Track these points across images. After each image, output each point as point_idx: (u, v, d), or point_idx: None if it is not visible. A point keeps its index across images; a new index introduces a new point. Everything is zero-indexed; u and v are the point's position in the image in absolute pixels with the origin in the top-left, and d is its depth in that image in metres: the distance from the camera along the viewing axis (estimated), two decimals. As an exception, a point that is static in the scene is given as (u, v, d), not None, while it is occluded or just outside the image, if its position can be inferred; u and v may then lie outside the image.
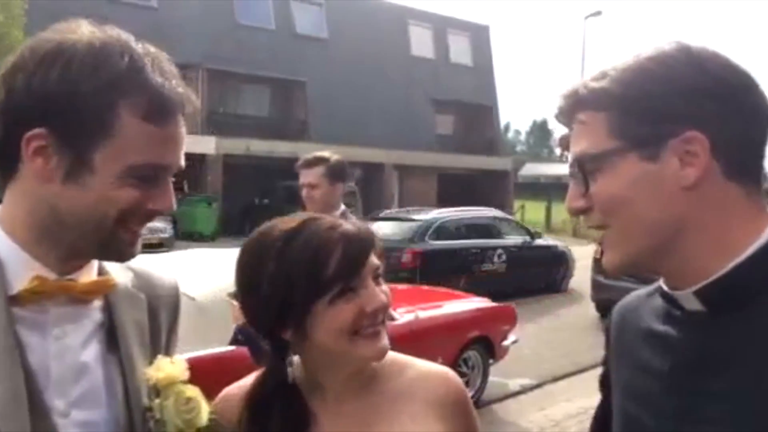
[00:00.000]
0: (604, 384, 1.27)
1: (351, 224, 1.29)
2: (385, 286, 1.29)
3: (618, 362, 1.20)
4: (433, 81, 33.22)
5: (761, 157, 1.04)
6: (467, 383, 6.55)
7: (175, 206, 1.13)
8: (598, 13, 33.60)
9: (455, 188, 32.80)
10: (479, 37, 36.92)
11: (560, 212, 35.09)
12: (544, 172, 49.33)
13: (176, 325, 1.34)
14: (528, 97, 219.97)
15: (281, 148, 25.70)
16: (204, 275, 5.08)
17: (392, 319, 5.19)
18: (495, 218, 14.54)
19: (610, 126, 1.02)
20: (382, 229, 12.84)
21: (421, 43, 33.68)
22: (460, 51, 35.45)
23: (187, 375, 1.20)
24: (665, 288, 1.09)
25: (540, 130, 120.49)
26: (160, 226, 16.84)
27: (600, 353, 1.31)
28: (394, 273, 11.71)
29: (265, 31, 28.45)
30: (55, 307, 1.10)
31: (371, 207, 22.67)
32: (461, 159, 32.51)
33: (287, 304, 1.23)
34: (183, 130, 1.11)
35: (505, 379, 7.76)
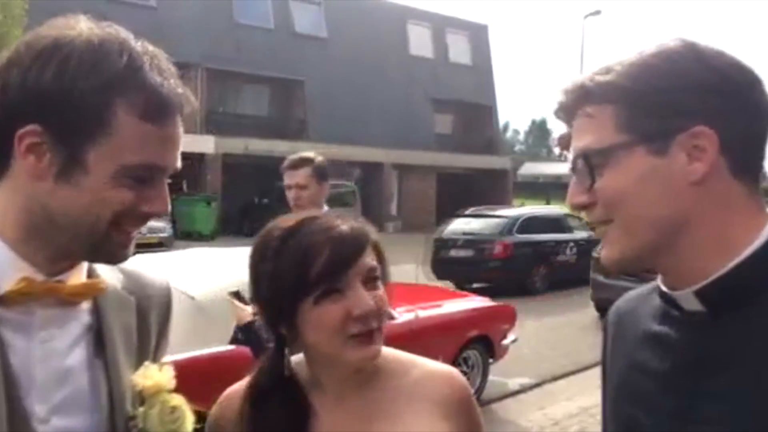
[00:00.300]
0: (604, 386, 1.27)
1: (348, 225, 1.28)
2: (380, 291, 1.27)
3: (614, 362, 1.20)
4: (433, 80, 33.23)
5: (763, 154, 1.04)
6: (467, 382, 6.53)
7: (170, 209, 1.11)
8: (597, 12, 33.62)
9: (454, 187, 32.83)
10: (478, 36, 36.93)
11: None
12: (543, 171, 49.43)
13: (167, 327, 1.30)
14: (527, 96, 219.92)
15: (280, 147, 25.66)
16: (204, 274, 5.08)
17: (392, 318, 5.19)
18: (565, 215, 15.59)
19: (618, 120, 1.02)
20: (473, 224, 15.39)
21: (420, 42, 33.69)
22: (459, 50, 35.46)
23: (174, 383, 1.16)
24: (663, 288, 1.08)
25: (539, 129, 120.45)
26: (159, 226, 16.83)
27: (600, 352, 1.31)
28: (486, 262, 14.32)
29: (264, 31, 28.45)
30: (42, 309, 1.06)
31: (370, 206, 22.69)
32: (460, 158, 32.52)
33: (278, 302, 1.26)
34: (180, 130, 1.08)
35: (505, 378, 7.76)
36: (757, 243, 0.99)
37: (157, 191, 1.08)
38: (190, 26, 25.46)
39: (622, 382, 1.15)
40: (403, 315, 5.85)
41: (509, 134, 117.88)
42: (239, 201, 24.24)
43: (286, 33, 29.13)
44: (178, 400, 1.15)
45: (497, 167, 34.49)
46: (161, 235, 17.08)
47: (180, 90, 1.07)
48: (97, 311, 1.14)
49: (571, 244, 15.20)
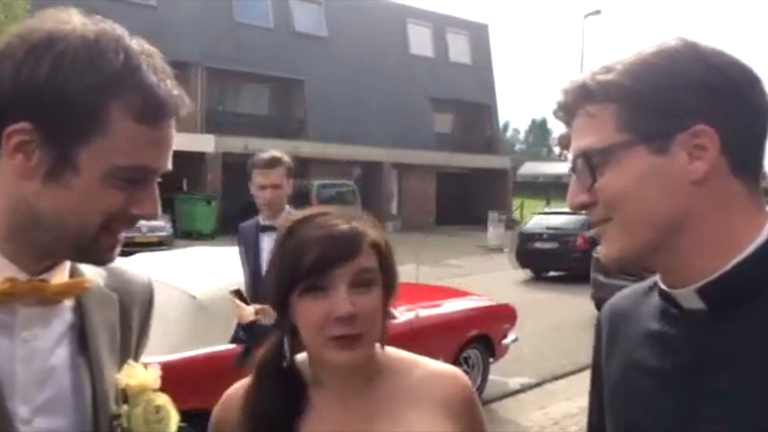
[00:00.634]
0: (596, 385, 1.26)
1: (347, 225, 1.28)
2: (372, 295, 1.26)
3: (610, 361, 1.19)
4: (432, 80, 33.21)
5: (762, 153, 1.04)
6: (467, 382, 6.53)
7: (160, 211, 1.09)
8: (598, 12, 33.59)
9: (454, 187, 32.84)
10: (478, 35, 36.91)
11: (559, 211, 35.11)
12: (543, 171, 49.40)
13: (148, 325, 1.28)
14: (527, 96, 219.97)
15: (280, 146, 25.55)
16: (204, 273, 5.09)
17: (393, 317, 5.20)
18: None
19: (618, 119, 1.02)
20: (554, 220, 17.30)
21: (420, 41, 33.68)
22: (459, 50, 35.44)
23: (159, 383, 1.15)
24: (663, 286, 1.08)
25: (539, 129, 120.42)
26: (159, 225, 16.83)
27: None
28: (569, 253, 16.07)
29: (264, 30, 28.43)
30: (24, 308, 1.04)
31: (370, 205, 22.65)
32: (460, 158, 32.51)
33: (274, 291, 1.30)
34: (173, 131, 1.06)
35: (505, 377, 7.75)
36: (758, 241, 1.00)
37: (148, 193, 1.05)
38: (190, 25, 25.45)
39: (619, 381, 1.15)
40: (403, 314, 5.85)
41: (509, 134, 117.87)
42: (239, 200, 24.10)
43: (286, 32, 29.11)
44: (162, 399, 1.15)
45: (497, 167, 34.48)
46: (161, 234, 17.06)
47: (176, 92, 1.04)
48: (80, 309, 1.12)
49: None
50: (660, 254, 1.04)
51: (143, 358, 1.25)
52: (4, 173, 1.00)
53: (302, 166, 26.74)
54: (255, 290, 3.83)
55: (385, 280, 1.30)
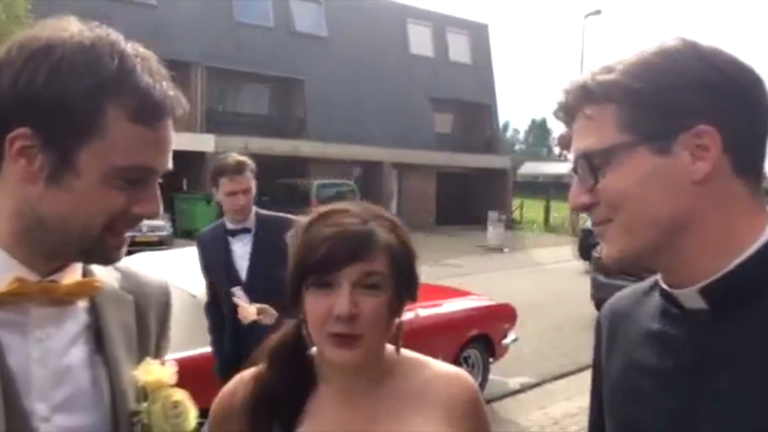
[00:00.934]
0: (596, 385, 1.26)
1: (362, 227, 1.28)
2: (377, 299, 1.26)
3: (610, 361, 1.19)
4: (433, 79, 33.19)
5: (764, 153, 1.04)
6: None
7: (161, 210, 1.11)
8: (598, 12, 33.56)
9: (454, 187, 32.81)
10: (478, 35, 36.89)
11: (559, 210, 35.12)
12: (543, 171, 49.38)
13: (167, 327, 1.31)
14: (527, 96, 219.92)
15: (280, 146, 25.69)
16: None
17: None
18: None
19: (620, 119, 1.01)
20: None
21: (420, 41, 33.65)
22: (459, 49, 35.42)
23: (175, 379, 1.17)
24: (664, 286, 1.08)
25: (539, 129, 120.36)
26: (159, 224, 16.83)
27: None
28: None
29: (264, 30, 28.41)
30: (37, 308, 1.06)
31: (370, 205, 22.57)
32: (460, 157, 32.49)
33: (289, 280, 1.32)
34: (172, 132, 1.08)
35: (505, 377, 7.76)
36: (761, 241, 1.00)
37: (149, 193, 1.07)
38: (190, 25, 25.43)
39: (620, 381, 1.15)
40: (403, 314, 5.84)
41: (509, 134, 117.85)
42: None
43: (286, 32, 29.09)
44: (180, 394, 1.16)
45: (497, 166, 34.45)
46: (161, 233, 17.05)
47: (171, 92, 1.07)
48: (94, 310, 1.14)
49: None
50: (662, 254, 1.04)
51: None
52: (9, 178, 1.03)
53: (302, 166, 26.78)
54: (228, 297, 3.76)
55: (396, 286, 1.29)
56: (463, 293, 7.82)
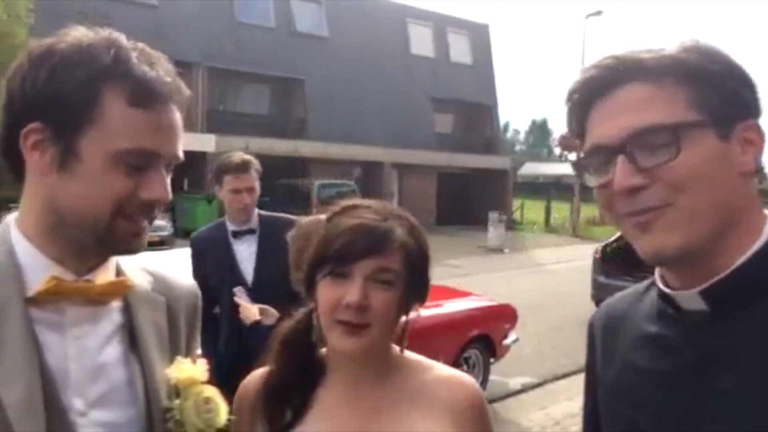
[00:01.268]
0: (590, 388, 1.26)
1: (382, 224, 1.31)
2: (387, 294, 1.29)
3: (606, 365, 1.19)
4: (433, 79, 33.18)
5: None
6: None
7: (170, 195, 1.13)
8: (599, 12, 33.53)
9: (454, 187, 32.80)
10: (479, 35, 36.87)
11: (560, 211, 35.10)
12: (543, 171, 49.29)
13: (196, 328, 1.35)
14: (527, 96, 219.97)
15: (280, 146, 25.68)
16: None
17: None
18: None
19: (691, 97, 0.97)
20: None
21: (420, 41, 33.64)
22: (459, 50, 35.40)
23: (206, 376, 1.22)
24: (663, 288, 1.07)
25: (539, 129, 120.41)
26: (160, 224, 16.84)
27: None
28: None
29: (264, 30, 28.41)
30: (72, 307, 1.11)
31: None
32: (460, 158, 32.47)
33: (306, 268, 1.36)
34: (176, 118, 1.12)
35: (506, 378, 7.76)
36: (761, 241, 0.99)
37: (156, 178, 1.10)
38: (191, 25, 25.43)
39: (617, 384, 1.14)
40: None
41: (510, 134, 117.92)
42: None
43: (287, 32, 29.09)
44: (211, 391, 1.21)
45: (497, 167, 34.43)
46: (162, 233, 17.07)
47: (169, 78, 1.11)
48: (128, 310, 1.19)
49: None
50: (713, 246, 0.98)
51: None
52: (31, 177, 1.11)
53: (302, 166, 26.78)
54: (228, 298, 3.65)
55: (409, 284, 1.32)
56: (463, 294, 7.82)
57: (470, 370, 6.82)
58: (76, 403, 1.09)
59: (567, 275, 16.24)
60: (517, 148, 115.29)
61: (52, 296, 1.08)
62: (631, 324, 1.14)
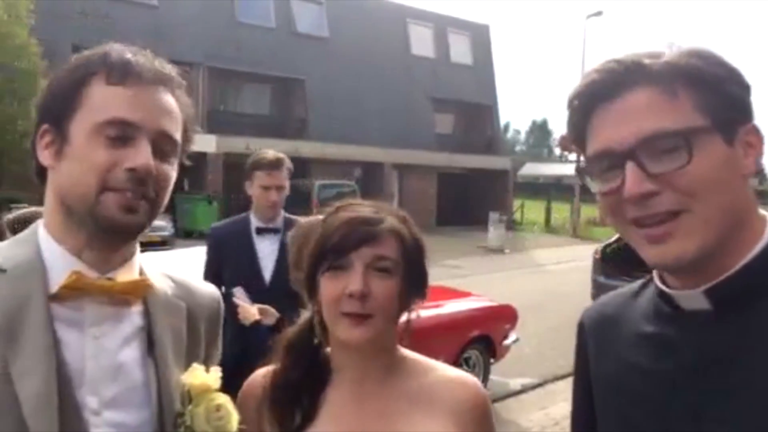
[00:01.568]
0: (578, 388, 1.25)
1: (375, 215, 1.35)
2: (387, 282, 1.32)
3: (600, 365, 1.18)
4: (433, 80, 33.17)
5: None
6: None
7: (151, 162, 1.12)
8: (599, 13, 33.50)
9: (455, 187, 32.78)
10: (479, 36, 36.86)
11: (560, 212, 35.09)
12: (544, 172, 49.28)
13: (217, 335, 1.36)
14: (528, 96, 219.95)
15: (281, 146, 25.57)
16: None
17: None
18: None
19: (697, 102, 0.97)
20: None
21: (421, 42, 33.63)
22: (460, 50, 35.39)
23: (219, 383, 1.22)
24: (662, 287, 1.07)
25: (540, 130, 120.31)
26: (160, 225, 16.82)
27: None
28: None
29: (265, 30, 28.41)
30: (93, 306, 1.13)
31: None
32: (461, 158, 32.45)
33: (306, 270, 1.38)
34: (161, 97, 1.15)
35: (506, 378, 7.76)
36: (763, 242, 1.00)
37: (137, 149, 1.12)
38: (192, 25, 25.43)
39: (614, 385, 1.14)
40: (404, 314, 5.84)
41: (510, 134, 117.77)
42: (240, 200, 24.16)
43: (288, 32, 29.09)
44: (222, 398, 1.21)
45: (498, 167, 34.41)
46: (162, 233, 17.05)
47: (157, 65, 1.17)
48: (147, 314, 1.21)
49: None
50: (721, 249, 0.98)
51: None
52: (48, 176, 1.18)
53: (303, 166, 26.72)
54: (254, 296, 3.67)
55: (407, 273, 1.35)
56: (464, 294, 7.82)
57: (470, 371, 6.81)
58: (90, 402, 1.11)
59: (567, 275, 16.23)
60: (518, 148, 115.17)
61: (74, 292, 1.11)
62: (627, 323, 1.14)
